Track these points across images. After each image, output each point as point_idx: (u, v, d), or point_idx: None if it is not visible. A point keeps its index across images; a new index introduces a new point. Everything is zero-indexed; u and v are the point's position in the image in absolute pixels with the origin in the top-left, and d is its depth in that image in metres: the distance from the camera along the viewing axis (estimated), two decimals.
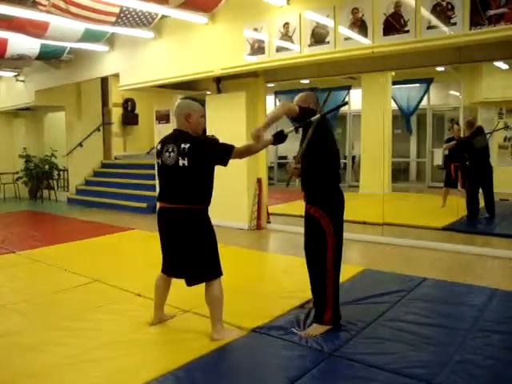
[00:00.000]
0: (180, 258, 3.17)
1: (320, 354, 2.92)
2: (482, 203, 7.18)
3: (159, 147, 3.20)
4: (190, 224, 3.08)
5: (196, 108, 3.19)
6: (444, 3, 4.71)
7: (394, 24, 5.06)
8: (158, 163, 3.22)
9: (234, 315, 3.44)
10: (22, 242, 6.55)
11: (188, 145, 3.04)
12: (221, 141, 3.16)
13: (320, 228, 3.21)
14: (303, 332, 3.21)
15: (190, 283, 3.19)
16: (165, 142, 3.19)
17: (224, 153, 3.08)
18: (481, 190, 7.14)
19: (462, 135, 7.65)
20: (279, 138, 3.17)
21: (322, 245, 3.21)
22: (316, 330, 3.22)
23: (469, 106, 9.01)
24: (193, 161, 3.03)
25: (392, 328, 3.27)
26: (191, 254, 3.10)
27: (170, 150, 3.09)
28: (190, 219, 3.08)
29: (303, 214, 3.41)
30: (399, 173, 10.91)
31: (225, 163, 3.11)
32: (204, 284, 3.16)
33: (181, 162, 3.03)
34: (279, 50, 6.04)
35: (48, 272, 5.06)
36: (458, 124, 8.04)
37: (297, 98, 3.40)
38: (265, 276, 4.88)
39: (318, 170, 3.25)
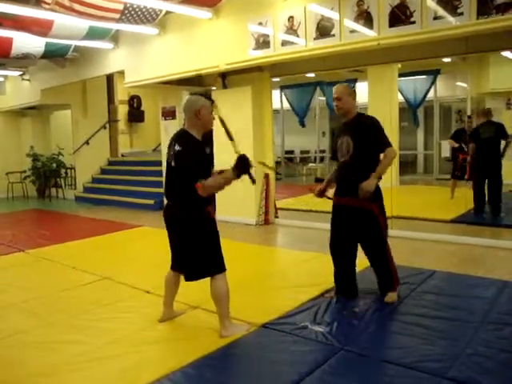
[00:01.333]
0: (180, 253, 3.21)
1: (331, 348, 2.91)
2: None
3: (168, 145, 3.24)
4: (184, 221, 3.10)
5: (205, 104, 3.15)
6: None
7: (399, 15, 5.00)
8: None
9: (243, 311, 3.43)
10: (31, 241, 6.58)
11: (179, 148, 3.04)
12: (198, 162, 2.99)
13: (377, 224, 3.57)
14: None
15: (187, 279, 3.20)
16: (171, 140, 3.21)
17: (190, 177, 2.95)
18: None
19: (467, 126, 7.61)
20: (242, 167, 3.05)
21: (380, 237, 3.60)
22: (392, 296, 3.62)
23: (476, 96, 8.94)
24: (177, 165, 3.05)
25: (402, 322, 3.26)
26: (187, 249, 3.13)
27: (171, 148, 3.13)
28: (184, 216, 3.10)
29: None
30: (407, 165, 10.84)
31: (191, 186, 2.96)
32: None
33: (173, 163, 3.08)
34: (284, 43, 6.00)
35: (57, 270, 5.08)
36: (470, 117, 7.93)
37: (342, 89, 3.65)
38: (274, 271, 4.86)
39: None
